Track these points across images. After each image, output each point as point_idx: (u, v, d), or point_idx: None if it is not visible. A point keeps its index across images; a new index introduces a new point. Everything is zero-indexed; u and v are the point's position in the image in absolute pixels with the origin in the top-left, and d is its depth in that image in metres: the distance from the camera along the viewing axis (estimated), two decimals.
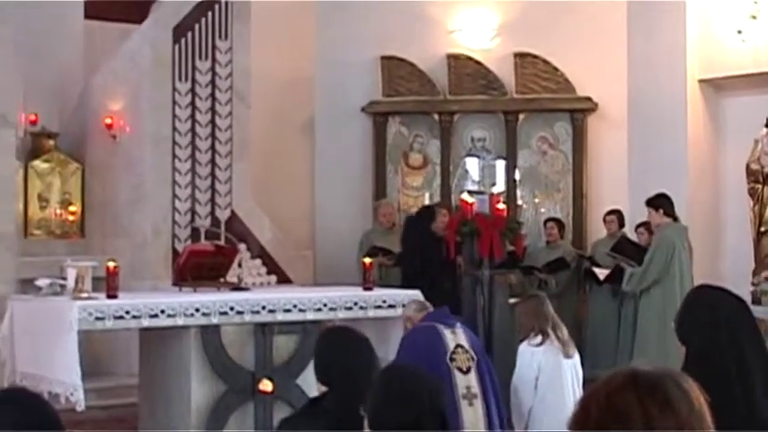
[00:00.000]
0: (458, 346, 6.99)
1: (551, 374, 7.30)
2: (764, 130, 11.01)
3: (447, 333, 7.00)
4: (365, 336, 4.51)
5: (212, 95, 11.17)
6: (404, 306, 7.75)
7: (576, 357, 7.55)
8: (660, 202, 10.16)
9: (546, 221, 12.26)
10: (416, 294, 9.03)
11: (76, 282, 7.92)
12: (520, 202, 12.73)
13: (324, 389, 4.29)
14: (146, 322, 7.86)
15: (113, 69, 11.49)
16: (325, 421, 4.15)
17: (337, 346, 4.41)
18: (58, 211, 11.51)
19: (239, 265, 9.76)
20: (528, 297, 7.83)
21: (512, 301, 11.15)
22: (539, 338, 7.36)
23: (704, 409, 2.16)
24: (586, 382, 7.28)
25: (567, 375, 7.43)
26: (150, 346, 8.53)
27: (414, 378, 3.57)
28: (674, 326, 3.84)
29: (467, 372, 6.95)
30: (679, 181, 11.68)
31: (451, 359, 6.92)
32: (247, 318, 8.21)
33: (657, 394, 2.12)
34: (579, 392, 7.20)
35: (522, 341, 7.49)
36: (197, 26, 11.11)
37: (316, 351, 4.47)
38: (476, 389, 6.95)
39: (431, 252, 10.20)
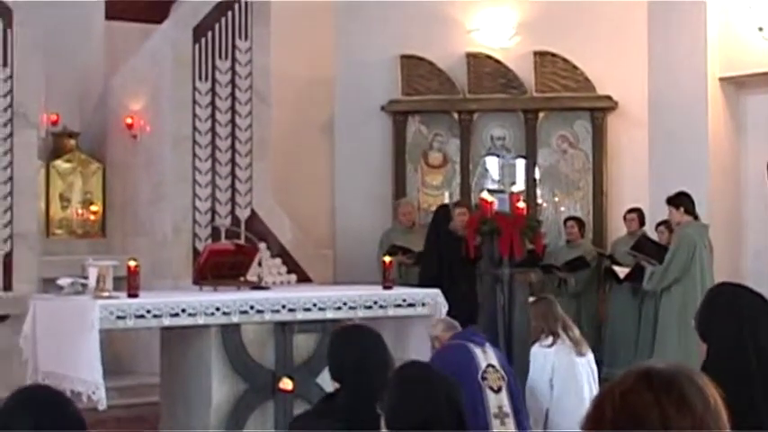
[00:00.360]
0: (489, 365, 6.97)
1: (565, 374, 7.28)
2: None
3: (478, 352, 6.96)
4: (378, 332, 4.50)
5: (232, 95, 11.19)
6: (431, 325, 7.64)
7: (590, 355, 7.53)
8: (681, 201, 10.14)
9: (566, 220, 12.24)
10: (436, 294, 9.03)
11: (98, 281, 7.95)
12: (540, 200, 12.71)
13: (337, 386, 4.30)
14: (167, 321, 7.89)
15: (134, 69, 11.53)
16: (337, 418, 4.14)
17: (349, 343, 4.41)
18: (80, 211, 11.55)
19: (259, 264, 9.78)
20: (537, 300, 7.85)
21: (531, 299, 11.16)
22: (549, 339, 7.35)
23: (719, 406, 2.13)
24: (604, 381, 7.27)
25: (582, 374, 7.41)
26: (171, 344, 8.56)
27: (431, 377, 3.57)
28: (694, 324, 3.83)
29: (498, 391, 6.92)
30: (700, 179, 11.64)
31: (483, 378, 6.89)
32: (267, 317, 8.23)
33: (673, 392, 2.09)
34: (596, 390, 7.18)
35: (533, 344, 7.48)
36: (217, 26, 11.14)
37: (329, 349, 4.48)
38: (507, 408, 6.92)
39: (449, 251, 10.19)
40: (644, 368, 2.14)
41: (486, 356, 6.98)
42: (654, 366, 2.15)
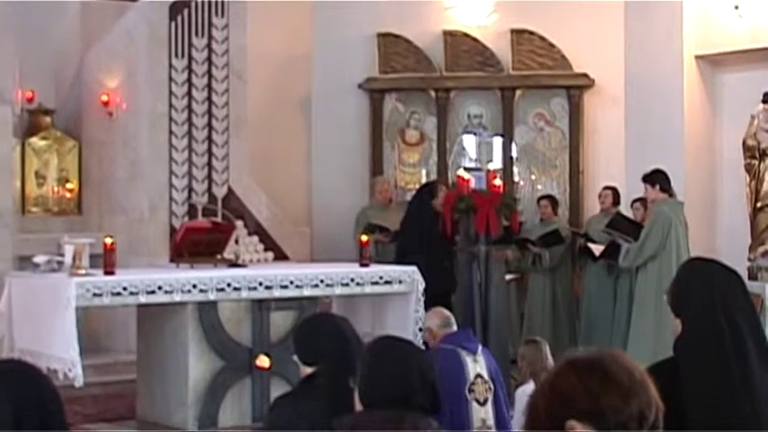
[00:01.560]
0: (478, 375, 6.84)
1: None
2: (761, 105, 11.01)
3: (469, 361, 6.81)
4: (343, 317, 4.69)
5: (209, 72, 11.16)
6: (426, 315, 7.48)
7: None
8: (656, 178, 10.17)
9: (539, 199, 12.25)
10: (413, 271, 9.05)
11: (74, 258, 7.94)
12: (516, 178, 12.74)
13: (308, 370, 4.39)
14: (143, 299, 7.90)
15: (109, 46, 11.47)
16: (318, 398, 4.20)
17: (322, 329, 4.51)
18: (56, 189, 11.51)
19: (236, 242, 9.79)
20: (529, 342, 7.76)
21: (508, 277, 11.20)
22: (532, 386, 7.30)
23: (646, 378, 2.25)
24: None
25: None
26: (148, 322, 8.57)
27: (403, 353, 3.58)
28: (667, 298, 3.86)
29: (483, 403, 6.83)
30: (675, 157, 11.69)
31: (470, 390, 6.78)
32: (244, 294, 8.24)
33: (595, 371, 2.22)
34: None
35: (519, 385, 7.47)
36: (193, 3, 11.09)
37: (300, 338, 4.57)
38: (490, 421, 6.84)
39: (429, 228, 10.21)
40: (567, 357, 2.29)
41: (477, 365, 6.83)
42: (577, 354, 2.29)
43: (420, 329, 7.35)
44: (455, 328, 7.01)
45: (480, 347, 6.89)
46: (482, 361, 6.87)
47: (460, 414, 6.64)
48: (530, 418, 2.26)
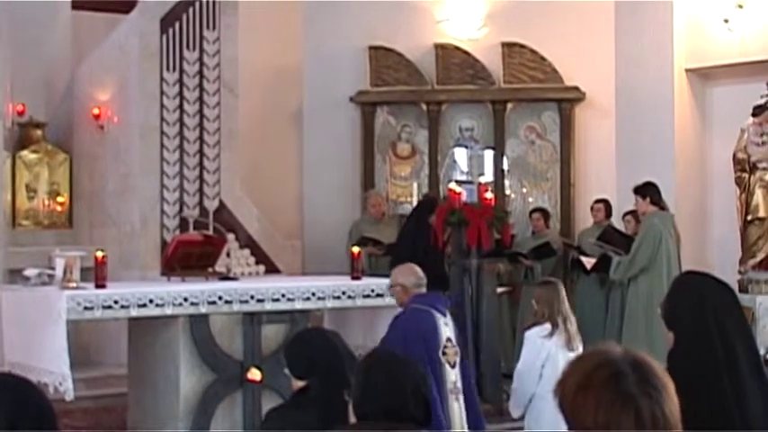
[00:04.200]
0: (448, 339, 6.89)
1: (556, 367, 7.19)
2: (751, 119, 11.04)
3: (441, 324, 6.85)
4: (334, 331, 4.66)
5: (200, 86, 11.16)
6: (399, 271, 7.15)
7: (580, 349, 7.48)
8: (647, 191, 10.19)
9: (532, 212, 12.27)
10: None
11: (65, 272, 7.92)
12: (508, 191, 12.75)
13: (300, 383, 4.41)
14: (134, 312, 7.87)
15: (101, 59, 11.47)
16: (311, 410, 4.22)
17: (313, 343, 4.54)
18: (46, 202, 11.50)
19: (228, 255, 9.78)
20: (544, 282, 7.68)
21: (500, 290, 11.20)
22: (547, 328, 7.25)
23: None
24: None
25: None
26: (139, 335, 8.54)
27: (397, 366, 3.59)
28: (660, 312, 3.86)
29: (453, 366, 6.89)
30: (666, 170, 11.71)
31: (443, 353, 6.83)
32: (236, 307, 8.22)
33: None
34: None
35: (529, 327, 7.37)
36: (184, 16, 11.09)
37: (292, 352, 4.59)
38: (459, 383, 6.91)
39: (423, 240, 10.20)
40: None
41: (447, 329, 6.89)
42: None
43: (389, 286, 7.20)
44: (425, 289, 6.98)
45: (448, 313, 6.93)
46: (450, 324, 6.92)
47: (436, 376, 6.66)
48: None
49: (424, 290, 6.96)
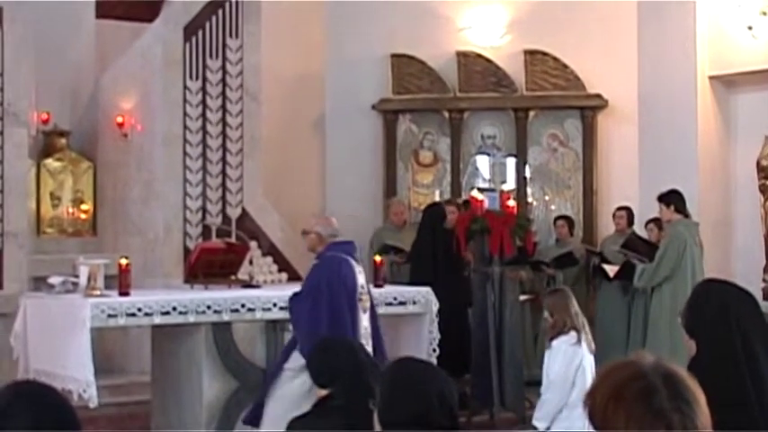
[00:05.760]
0: (362, 285, 7.29)
1: (586, 374, 7.15)
2: None
3: (357, 271, 7.23)
4: (352, 339, 4.72)
5: (223, 94, 11.20)
6: (317, 221, 7.77)
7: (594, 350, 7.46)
8: (672, 198, 10.17)
9: (556, 219, 12.27)
10: (427, 291, 9.04)
11: (89, 279, 7.96)
12: (530, 199, 12.73)
13: (323, 392, 4.41)
14: (158, 319, 7.90)
15: (125, 68, 11.53)
16: (335, 418, 4.21)
17: (336, 351, 4.54)
18: (71, 210, 11.55)
19: (250, 263, 9.79)
20: (554, 291, 7.68)
21: (522, 298, 11.18)
22: (574, 335, 7.20)
23: None
24: None
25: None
26: (162, 343, 8.57)
27: (422, 372, 3.59)
28: (680, 320, 3.85)
29: (365, 312, 7.27)
30: (689, 177, 11.68)
31: (359, 299, 7.18)
32: (258, 315, 8.24)
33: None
34: None
35: (553, 338, 7.29)
36: (208, 25, 11.14)
37: (315, 361, 4.60)
38: (368, 329, 7.30)
39: (443, 248, 10.20)
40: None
41: (361, 276, 7.28)
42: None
43: (303, 232, 7.50)
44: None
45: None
46: (362, 271, 7.30)
47: (354, 321, 7.12)
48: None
49: (338, 238, 7.38)
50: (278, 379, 7.31)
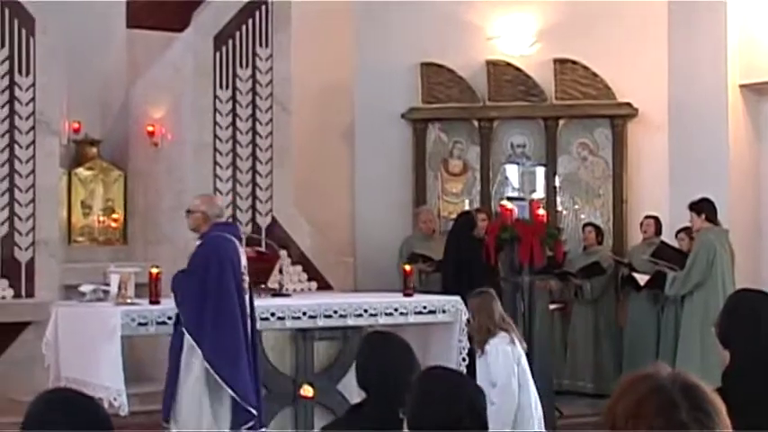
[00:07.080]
0: (244, 266, 7.46)
1: (524, 371, 7.22)
2: None
3: (241, 252, 7.44)
4: (406, 342, 4.54)
5: (253, 103, 11.24)
6: (204, 201, 7.91)
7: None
8: (703, 207, 10.13)
9: (584, 226, 12.23)
10: (457, 300, 9.03)
11: (119, 288, 8.00)
12: (560, 208, 12.70)
13: (363, 394, 4.36)
14: None
15: (155, 77, 11.59)
16: (365, 427, 4.19)
17: (377, 350, 4.47)
18: (101, 218, 11.61)
19: (280, 272, 9.82)
20: (478, 294, 7.51)
21: (552, 307, 11.16)
22: (505, 336, 7.21)
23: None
24: None
25: (527, 367, 7.37)
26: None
27: (453, 380, 3.58)
28: (714, 330, 3.83)
29: (245, 293, 7.47)
30: (720, 186, 11.61)
31: (243, 279, 7.39)
32: (288, 323, 8.26)
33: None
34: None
35: (484, 341, 7.23)
36: (237, 34, 11.19)
37: (357, 355, 4.53)
38: (248, 309, 7.46)
39: (472, 258, 10.19)
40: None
41: (244, 257, 7.49)
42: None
43: (188, 211, 7.67)
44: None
45: None
46: (245, 253, 7.54)
47: (242, 299, 7.33)
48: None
49: (223, 219, 7.65)
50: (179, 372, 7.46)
